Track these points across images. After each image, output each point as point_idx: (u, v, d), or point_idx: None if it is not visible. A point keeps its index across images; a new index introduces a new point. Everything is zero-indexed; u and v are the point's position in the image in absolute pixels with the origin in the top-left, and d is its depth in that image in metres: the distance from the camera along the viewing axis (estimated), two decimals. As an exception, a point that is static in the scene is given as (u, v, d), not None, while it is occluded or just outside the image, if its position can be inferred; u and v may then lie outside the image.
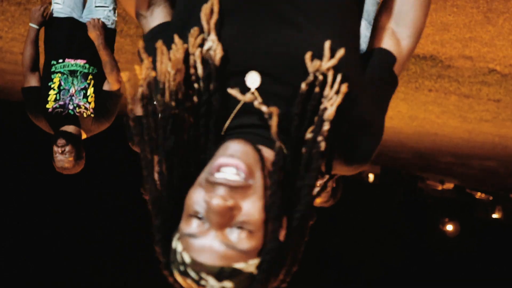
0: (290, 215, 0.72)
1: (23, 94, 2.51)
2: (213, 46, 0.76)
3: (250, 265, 0.69)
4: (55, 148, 2.35)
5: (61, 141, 2.34)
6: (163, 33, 0.85)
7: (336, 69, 0.75)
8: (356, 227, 10.56)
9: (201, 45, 0.77)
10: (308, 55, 0.75)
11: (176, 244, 0.71)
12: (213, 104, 0.76)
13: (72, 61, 2.50)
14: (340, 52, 0.74)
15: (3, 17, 5.01)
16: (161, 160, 0.74)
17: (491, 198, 14.59)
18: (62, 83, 2.46)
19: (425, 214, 13.30)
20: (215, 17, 0.77)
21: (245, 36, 0.78)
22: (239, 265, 0.68)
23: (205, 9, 0.76)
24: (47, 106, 2.47)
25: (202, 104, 0.76)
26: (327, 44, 0.75)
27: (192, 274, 0.69)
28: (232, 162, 0.70)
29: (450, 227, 13.26)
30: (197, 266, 0.68)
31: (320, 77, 0.74)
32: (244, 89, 0.76)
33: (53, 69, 2.49)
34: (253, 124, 0.77)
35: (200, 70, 0.75)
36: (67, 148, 2.33)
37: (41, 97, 2.48)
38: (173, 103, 0.75)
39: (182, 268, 0.70)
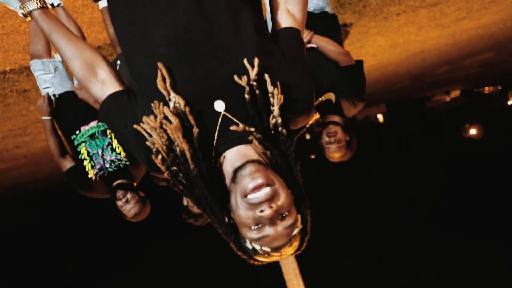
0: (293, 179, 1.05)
1: (66, 178, 2.63)
2: (176, 100, 1.01)
3: (298, 227, 1.05)
4: (119, 203, 2.48)
5: (119, 193, 2.49)
6: (119, 99, 1.09)
7: (261, 72, 1.02)
8: (385, 166, 10.61)
9: (167, 104, 1.02)
10: (235, 77, 1.02)
11: (253, 246, 1.03)
12: (197, 138, 1.02)
13: (86, 127, 2.62)
14: (256, 62, 1.01)
15: (-13, 121, 5.14)
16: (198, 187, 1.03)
17: (499, 87, 14.53)
18: (89, 150, 2.58)
19: (445, 129, 13.32)
20: (168, 81, 1.02)
21: (195, 76, 1.03)
22: (295, 231, 1.04)
23: (159, 82, 1.01)
24: (89, 176, 2.59)
25: (194, 141, 1.02)
26: (245, 61, 1.02)
27: (275, 253, 1.04)
28: (258, 183, 0.98)
29: (474, 131, 13.25)
30: (277, 249, 1.03)
31: (255, 84, 1.02)
32: (216, 114, 1.04)
33: (75, 143, 2.61)
34: (232, 133, 1.04)
35: (175, 122, 1.00)
36: (129, 196, 2.47)
37: (80, 172, 2.59)
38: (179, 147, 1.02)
39: (266, 254, 1.04)
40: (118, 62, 2.85)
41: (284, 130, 1.02)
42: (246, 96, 1.01)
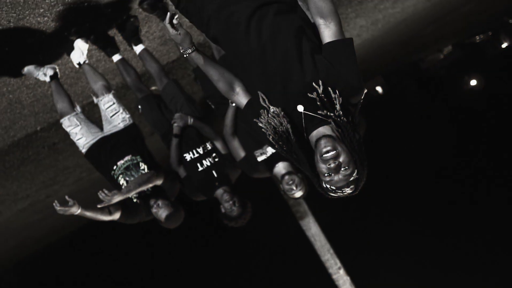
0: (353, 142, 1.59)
1: (121, 221, 2.94)
2: (276, 110, 1.63)
3: (354, 176, 1.59)
4: (153, 210, 2.87)
5: (152, 201, 2.89)
6: (254, 105, 1.69)
7: (323, 88, 1.57)
8: (396, 136, 10.76)
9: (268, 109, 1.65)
10: (309, 94, 1.58)
11: (326, 186, 1.60)
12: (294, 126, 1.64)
13: (121, 161, 2.99)
14: (320, 84, 1.56)
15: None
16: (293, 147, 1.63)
17: (490, 33, 14.59)
18: (127, 179, 2.94)
19: (445, 87, 13.46)
20: (266, 100, 1.65)
21: (282, 93, 1.63)
22: (351, 178, 1.59)
23: (262, 102, 1.64)
24: (134, 201, 2.97)
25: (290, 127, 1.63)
26: (314, 84, 1.57)
27: (339, 191, 1.61)
28: (327, 148, 1.54)
29: (474, 82, 13.39)
30: (340, 188, 1.60)
31: (322, 95, 1.58)
32: (300, 113, 1.61)
33: (115, 177, 2.97)
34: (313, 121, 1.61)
35: (277, 121, 1.65)
36: (160, 202, 2.87)
37: (127, 204, 2.95)
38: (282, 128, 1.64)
39: (333, 191, 1.62)
40: (140, 107, 3.24)
41: (344, 119, 1.55)
42: (318, 103, 1.58)
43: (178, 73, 4.45)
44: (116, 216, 2.92)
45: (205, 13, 1.74)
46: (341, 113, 1.54)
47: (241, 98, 1.72)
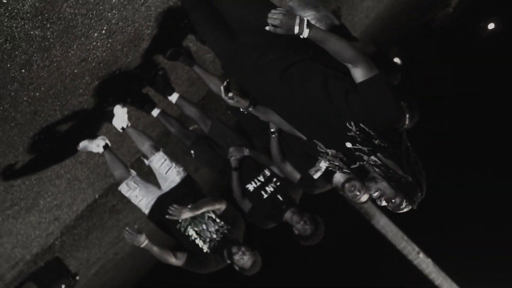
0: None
1: (186, 268, 2.99)
2: (333, 152, 1.77)
3: (405, 203, 1.72)
4: (236, 257, 2.89)
5: (235, 248, 2.90)
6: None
7: (360, 127, 1.70)
8: (429, 104, 10.43)
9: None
10: (348, 133, 1.71)
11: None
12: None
13: None
14: (352, 125, 1.68)
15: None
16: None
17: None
18: (196, 229, 2.99)
19: (465, 38, 13.04)
20: (321, 145, 1.80)
21: (327, 138, 1.79)
22: (404, 204, 1.73)
23: (319, 148, 1.79)
24: (205, 251, 2.99)
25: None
26: (348, 125, 1.70)
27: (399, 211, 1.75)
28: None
29: (492, 25, 12.94)
30: (397, 210, 1.75)
31: (360, 134, 1.69)
32: (348, 148, 1.72)
33: (182, 229, 3.00)
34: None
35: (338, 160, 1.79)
36: (243, 248, 2.90)
37: (196, 253, 3.00)
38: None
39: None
40: (192, 152, 3.31)
41: (390, 149, 1.66)
42: (358, 139, 1.69)
43: (211, 106, 4.53)
44: (181, 261, 2.96)
45: (243, 77, 1.91)
46: (381, 144, 1.63)
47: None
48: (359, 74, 1.67)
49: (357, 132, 1.66)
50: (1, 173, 2.90)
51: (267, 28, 1.71)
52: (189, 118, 3.39)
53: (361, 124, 1.65)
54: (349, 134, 1.67)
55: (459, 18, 13.97)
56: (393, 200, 1.68)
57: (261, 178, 3.09)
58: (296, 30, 1.67)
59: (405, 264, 6.28)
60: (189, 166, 4.85)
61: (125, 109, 3.16)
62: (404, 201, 1.68)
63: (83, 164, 3.55)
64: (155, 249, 2.88)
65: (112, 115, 3.17)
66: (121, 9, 2.53)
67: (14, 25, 2.13)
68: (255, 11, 1.83)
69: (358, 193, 2.80)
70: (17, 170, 3.00)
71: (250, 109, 2.01)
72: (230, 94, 1.92)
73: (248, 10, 1.86)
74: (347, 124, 1.67)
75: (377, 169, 1.65)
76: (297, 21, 1.66)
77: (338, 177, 2.88)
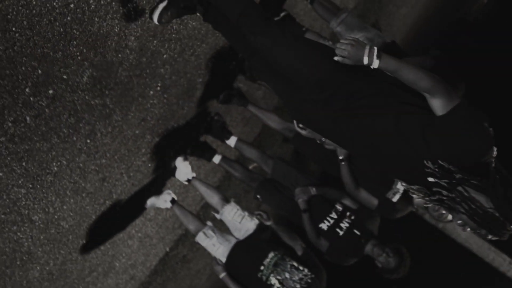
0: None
1: None
2: (417, 187, 1.70)
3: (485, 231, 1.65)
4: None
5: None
6: None
7: (437, 164, 1.61)
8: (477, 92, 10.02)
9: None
10: (428, 168, 1.63)
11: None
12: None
13: (267, 260, 2.88)
14: (429, 163, 1.60)
15: None
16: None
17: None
18: (279, 277, 2.84)
19: (504, 27, 12.53)
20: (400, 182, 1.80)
21: (410, 175, 1.74)
22: (484, 231, 1.65)
23: (400, 186, 1.94)
24: None
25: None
26: (425, 163, 1.63)
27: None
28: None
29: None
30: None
31: (433, 168, 1.61)
32: (431, 182, 1.65)
33: (264, 278, 2.85)
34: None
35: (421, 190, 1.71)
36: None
37: None
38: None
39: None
40: (258, 196, 3.21)
41: (469, 180, 1.56)
42: (438, 175, 1.60)
43: (267, 143, 4.46)
44: None
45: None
46: (463, 177, 1.54)
47: None
48: (438, 105, 1.56)
49: (436, 169, 1.59)
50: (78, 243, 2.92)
51: (335, 58, 1.62)
52: (251, 160, 3.31)
53: (439, 161, 1.57)
54: (427, 170, 1.60)
55: (496, 6, 13.49)
56: (477, 231, 1.60)
57: (334, 215, 2.92)
58: (366, 61, 1.58)
59: (498, 276, 5.82)
60: (252, 203, 4.76)
61: (187, 161, 3.13)
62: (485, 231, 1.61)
63: (152, 221, 3.53)
64: (231, 286, 2.90)
65: (175, 169, 3.16)
66: (173, 62, 2.53)
67: (75, 98, 2.14)
68: (312, 66, 1.72)
69: (444, 212, 2.59)
70: (92, 237, 3.00)
71: (323, 139, 1.91)
72: (302, 125, 1.95)
73: (303, 65, 1.74)
74: (425, 162, 1.60)
75: (460, 204, 1.57)
76: (367, 51, 1.57)
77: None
